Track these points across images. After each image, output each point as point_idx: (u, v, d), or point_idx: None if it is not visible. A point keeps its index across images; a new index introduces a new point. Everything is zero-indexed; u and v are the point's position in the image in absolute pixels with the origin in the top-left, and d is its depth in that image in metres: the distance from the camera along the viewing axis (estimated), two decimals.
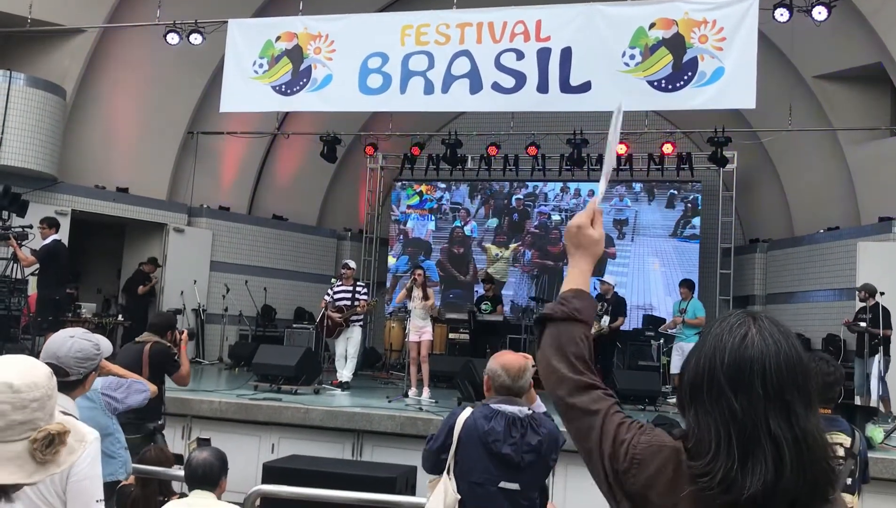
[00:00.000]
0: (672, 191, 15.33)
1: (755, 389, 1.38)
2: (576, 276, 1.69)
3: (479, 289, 14.71)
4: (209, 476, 3.60)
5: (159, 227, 14.10)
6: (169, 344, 5.95)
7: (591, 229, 1.71)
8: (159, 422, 5.92)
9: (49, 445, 1.58)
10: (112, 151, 13.51)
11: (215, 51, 11.57)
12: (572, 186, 15.70)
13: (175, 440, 7.87)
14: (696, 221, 15.16)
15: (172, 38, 11.22)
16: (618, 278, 12.91)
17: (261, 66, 10.57)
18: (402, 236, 16.58)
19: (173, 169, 14.38)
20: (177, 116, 14.10)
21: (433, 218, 16.57)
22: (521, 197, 16.14)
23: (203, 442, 5.24)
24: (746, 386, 1.38)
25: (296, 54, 10.39)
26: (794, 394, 1.39)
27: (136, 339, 6.00)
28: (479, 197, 16.41)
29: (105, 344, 3.24)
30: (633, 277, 15.08)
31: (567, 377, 1.55)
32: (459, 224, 16.42)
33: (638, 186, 15.40)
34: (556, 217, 15.73)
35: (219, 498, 3.62)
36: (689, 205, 15.24)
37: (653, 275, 15.10)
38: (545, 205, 15.97)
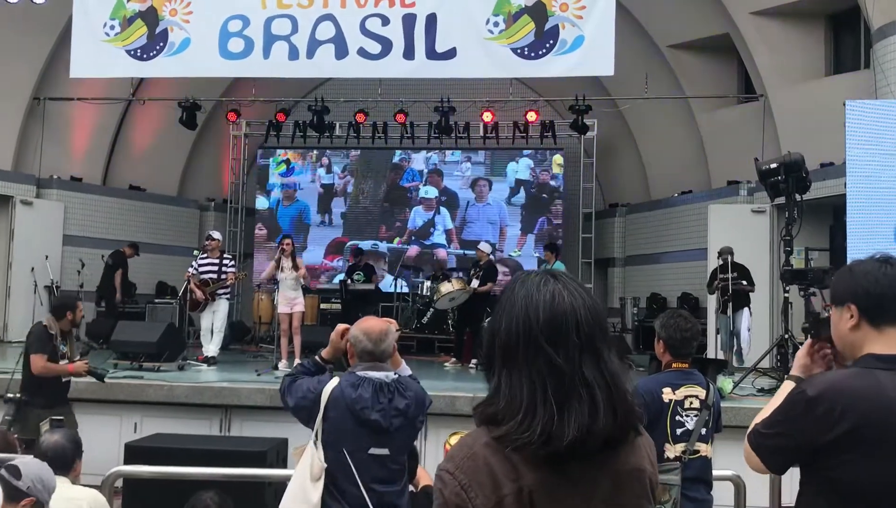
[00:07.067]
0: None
1: (572, 340, 1.45)
2: None
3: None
4: (61, 459, 3.41)
5: (5, 200, 13.17)
6: (47, 325, 6.04)
7: None
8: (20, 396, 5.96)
9: None
10: None
11: (61, 10, 10.84)
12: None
13: None
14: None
15: None
16: None
17: (112, 28, 10.01)
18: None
19: (18, 137, 13.42)
20: (21, 81, 13.12)
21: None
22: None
23: (56, 424, 4.99)
24: (564, 338, 1.45)
25: (150, 16, 9.89)
26: (603, 342, 1.48)
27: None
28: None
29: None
30: None
31: None
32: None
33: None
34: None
35: (73, 483, 3.44)
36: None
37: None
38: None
